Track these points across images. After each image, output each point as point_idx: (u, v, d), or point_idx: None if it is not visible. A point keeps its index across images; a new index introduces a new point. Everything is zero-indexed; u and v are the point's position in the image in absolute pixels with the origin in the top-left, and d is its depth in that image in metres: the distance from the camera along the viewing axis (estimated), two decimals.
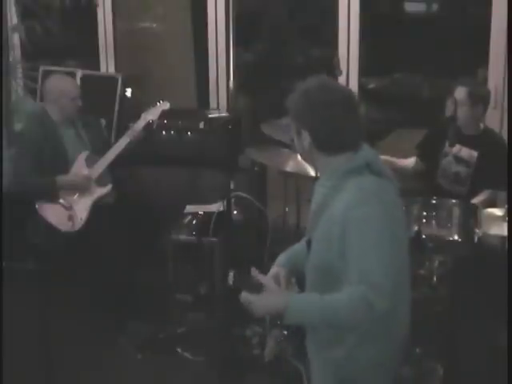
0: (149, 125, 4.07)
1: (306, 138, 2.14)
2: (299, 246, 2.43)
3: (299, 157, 3.62)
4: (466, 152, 3.80)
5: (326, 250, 2.11)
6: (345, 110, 2.12)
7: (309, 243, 2.24)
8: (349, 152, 2.14)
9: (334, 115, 2.11)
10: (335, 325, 2.09)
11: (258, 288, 2.16)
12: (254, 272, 2.23)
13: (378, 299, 1.98)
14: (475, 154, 3.78)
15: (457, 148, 3.82)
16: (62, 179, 3.94)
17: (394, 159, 3.98)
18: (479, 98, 3.72)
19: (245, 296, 2.12)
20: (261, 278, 2.21)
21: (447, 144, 3.82)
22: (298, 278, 2.36)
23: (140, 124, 4.04)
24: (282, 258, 2.43)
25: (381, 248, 2.02)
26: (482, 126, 3.84)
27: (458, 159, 3.82)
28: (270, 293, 2.17)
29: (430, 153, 3.95)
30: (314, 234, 2.19)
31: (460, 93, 3.72)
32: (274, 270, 2.38)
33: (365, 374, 2.18)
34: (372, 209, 2.03)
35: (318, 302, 2.04)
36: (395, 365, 2.29)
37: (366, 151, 2.17)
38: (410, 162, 4.06)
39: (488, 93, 3.85)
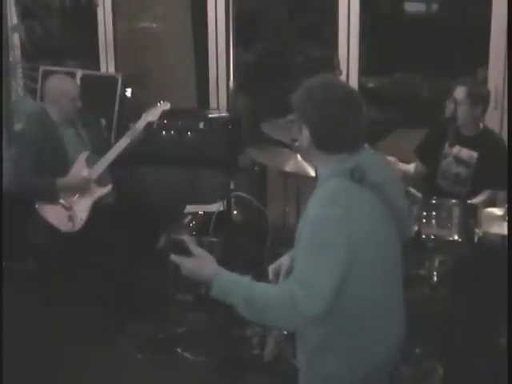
0: (149, 125, 4.06)
1: (306, 135, 2.12)
2: None
3: (299, 157, 3.63)
4: (465, 153, 3.79)
5: (295, 247, 2.14)
6: (346, 108, 2.10)
7: None
8: (347, 152, 2.11)
9: (334, 113, 2.09)
10: (258, 314, 2.04)
11: (187, 253, 2.14)
12: (187, 238, 2.20)
13: (306, 300, 1.95)
14: (475, 154, 3.77)
15: (457, 149, 3.82)
16: (61, 180, 3.94)
17: (396, 163, 3.98)
18: (478, 98, 3.72)
19: (174, 257, 2.13)
20: (192, 245, 2.16)
21: (447, 145, 3.82)
22: None
23: (140, 124, 4.04)
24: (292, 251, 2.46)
25: (327, 252, 1.98)
26: (481, 126, 3.84)
27: (458, 160, 3.82)
28: (201, 259, 2.13)
29: (430, 155, 3.95)
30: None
31: (459, 92, 3.71)
32: (283, 258, 2.45)
33: (355, 376, 2.16)
34: (329, 211, 2.00)
35: (245, 285, 2.03)
36: (390, 369, 2.27)
37: (360, 156, 2.12)
38: (412, 167, 4.05)
39: (488, 93, 3.85)
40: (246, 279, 2.06)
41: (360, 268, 2.03)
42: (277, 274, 2.44)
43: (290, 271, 2.38)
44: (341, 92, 2.14)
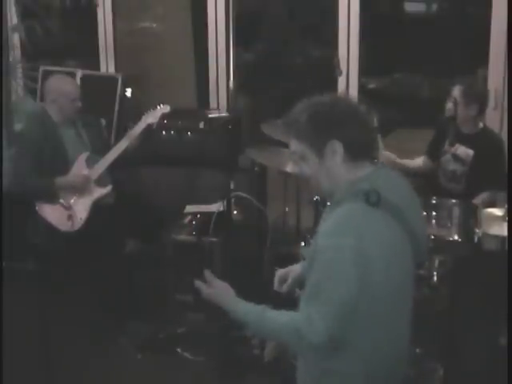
0: (149, 127, 4.06)
1: (338, 149, 2.05)
2: None
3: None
4: (462, 150, 3.82)
5: (306, 268, 2.13)
6: (364, 115, 2.12)
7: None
8: (371, 159, 2.11)
9: (359, 119, 2.09)
10: (269, 339, 2.19)
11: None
12: (207, 273, 2.25)
13: (311, 334, 1.95)
14: (471, 152, 3.80)
15: (455, 147, 3.84)
16: (61, 180, 3.94)
17: (404, 161, 4.01)
18: (473, 97, 3.73)
19: (197, 283, 2.21)
20: (211, 279, 2.23)
21: (447, 143, 3.85)
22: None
23: (140, 126, 4.03)
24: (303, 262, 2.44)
25: (336, 284, 1.95)
26: (481, 125, 3.85)
27: (456, 157, 3.84)
28: (217, 289, 2.21)
29: (435, 152, 3.98)
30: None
31: (456, 91, 3.74)
32: (294, 266, 2.44)
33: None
34: (341, 242, 1.96)
35: (255, 316, 2.08)
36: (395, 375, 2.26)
37: (377, 174, 2.10)
38: (419, 162, 4.08)
39: (484, 92, 3.85)
40: (257, 309, 2.09)
41: (375, 291, 2.00)
42: (283, 281, 2.42)
43: (297, 282, 2.39)
44: (350, 101, 2.18)
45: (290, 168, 3.75)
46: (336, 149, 2.05)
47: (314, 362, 2.14)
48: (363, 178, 2.07)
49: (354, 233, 1.96)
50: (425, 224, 2.41)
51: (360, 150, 2.09)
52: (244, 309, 2.12)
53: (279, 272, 2.45)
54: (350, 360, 2.07)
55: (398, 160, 3.97)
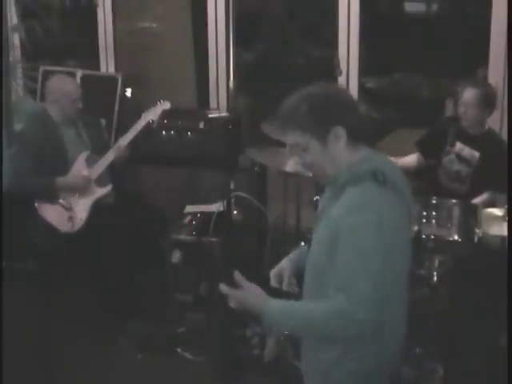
0: (149, 125, 4.06)
1: (341, 135, 2.11)
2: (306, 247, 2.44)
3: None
4: (468, 152, 3.81)
5: (319, 254, 2.12)
6: (355, 100, 2.21)
7: (309, 243, 2.24)
8: (367, 143, 2.17)
9: (355, 104, 2.18)
10: (313, 333, 2.12)
11: (235, 285, 2.16)
12: (237, 274, 2.20)
13: (359, 310, 1.96)
14: (477, 154, 3.79)
15: (460, 147, 3.84)
16: (61, 180, 3.94)
17: (396, 159, 3.99)
18: (488, 101, 3.74)
19: (223, 288, 2.14)
20: (241, 280, 2.17)
21: (448, 143, 3.84)
22: (298, 278, 2.36)
23: (140, 124, 4.04)
24: (294, 254, 2.46)
25: (368, 259, 1.98)
26: (486, 126, 3.85)
27: (460, 158, 3.84)
28: (249, 292, 2.15)
29: (431, 150, 3.97)
30: (314, 235, 2.20)
31: (468, 94, 3.72)
32: (284, 262, 2.43)
33: (358, 376, 2.16)
34: (365, 218, 2.01)
35: (294, 312, 2.07)
36: (392, 369, 2.27)
37: (375, 157, 2.17)
38: (412, 159, 4.08)
39: (496, 95, 3.86)
40: (294, 304, 2.09)
41: (394, 266, 2.05)
42: (279, 279, 2.41)
43: (295, 273, 2.38)
44: (338, 87, 2.32)
45: (289, 167, 3.74)
46: (340, 134, 2.10)
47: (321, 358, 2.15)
48: (364, 158, 2.14)
49: (374, 210, 2.02)
50: (415, 205, 2.48)
51: (360, 133, 2.16)
52: (279, 308, 2.09)
53: (273, 272, 2.43)
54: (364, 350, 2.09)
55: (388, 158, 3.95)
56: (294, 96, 2.18)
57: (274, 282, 2.42)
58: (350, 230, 2.01)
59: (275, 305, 2.09)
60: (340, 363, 2.14)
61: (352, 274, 1.99)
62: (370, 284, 1.97)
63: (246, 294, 2.14)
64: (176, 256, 2.23)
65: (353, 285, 1.98)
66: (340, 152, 2.13)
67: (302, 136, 2.13)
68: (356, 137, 2.14)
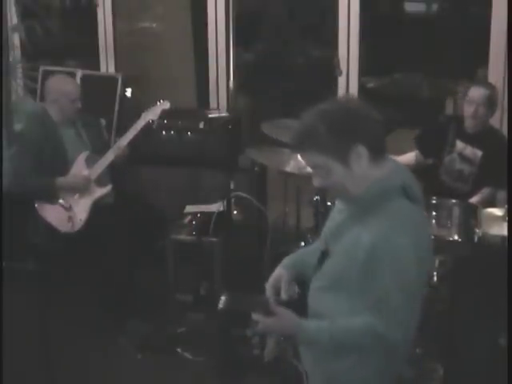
0: (148, 124, 4.06)
1: (363, 153, 2.02)
2: (309, 251, 2.38)
3: (299, 157, 3.62)
4: (470, 151, 3.82)
5: (344, 268, 2.07)
6: (372, 112, 2.09)
7: (325, 253, 2.18)
8: (386, 159, 2.09)
9: (372, 117, 2.06)
10: (347, 350, 2.11)
11: (253, 308, 2.13)
12: (266, 299, 2.20)
13: (395, 333, 1.98)
14: (479, 153, 3.79)
15: (461, 146, 3.84)
16: (61, 180, 3.94)
17: (393, 157, 3.99)
18: (494, 102, 3.75)
19: (255, 316, 2.10)
20: (272, 306, 2.13)
21: (449, 142, 3.85)
22: (299, 281, 2.35)
23: (140, 124, 4.04)
24: (288, 260, 2.38)
25: (406, 282, 1.98)
26: (487, 125, 3.85)
27: (463, 157, 3.84)
28: (282, 317, 2.11)
29: (430, 147, 3.98)
30: (335, 247, 2.13)
31: (479, 92, 3.73)
32: (278, 271, 2.35)
33: (370, 381, 2.16)
34: (403, 241, 1.97)
35: (327, 330, 2.05)
36: (399, 372, 2.28)
37: (400, 169, 2.12)
38: (410, 157, 4.08)
39: (498, 95, 3.88)
40: (326, 324, 2.07)
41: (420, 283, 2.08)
42: (276, 289, 2.34)
43: (294, 278, 2.34)
44: (355, 101, 2.20)
45: (289, 167, 3.74)
46: (361, 152, 2.02)
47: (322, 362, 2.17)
48: (390, 172, 2.07)
49: (412, 232, 2.00)
50: None
51: (382, 146, 2.08)
52: (313, 329, 2.09)
53: (269, 283, 2.34)
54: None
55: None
56: (310, 114, 2.06)
57: (269, 293, 2.34)
58: (390, 254, 1.97)
59: (307, 327, 2.09)
60: (352, 370, 2.14)
61: (390, 296, 1.98)
62: (406, 307, 1.99)
63: (278, 321, 2.10)
64: (222, 301, 2.23)
65: (390, 307, 1.98)
66: (363, 170, 2.03)
67: (322, 158, 2.02)
68: (378, 151, 2.06)
